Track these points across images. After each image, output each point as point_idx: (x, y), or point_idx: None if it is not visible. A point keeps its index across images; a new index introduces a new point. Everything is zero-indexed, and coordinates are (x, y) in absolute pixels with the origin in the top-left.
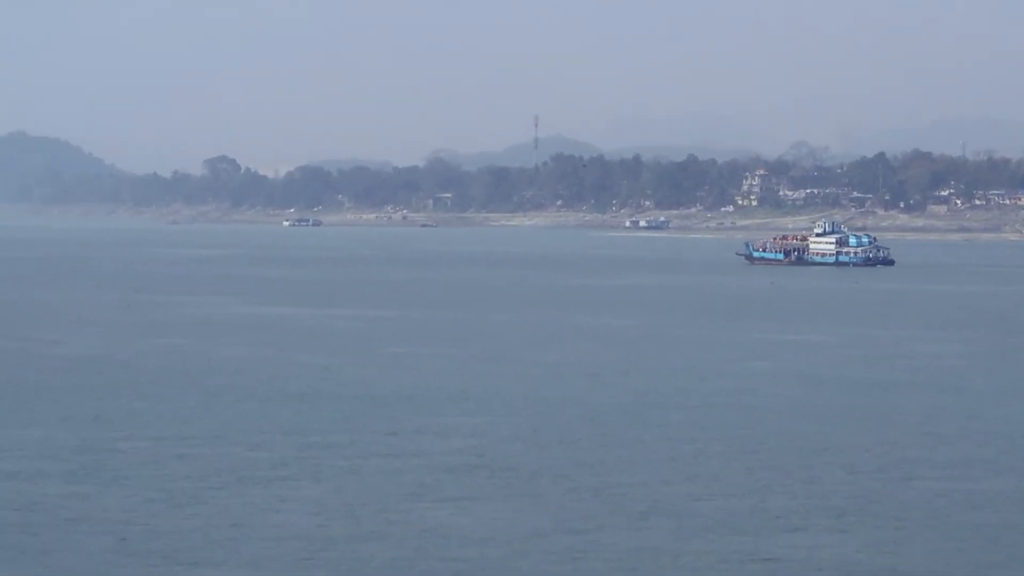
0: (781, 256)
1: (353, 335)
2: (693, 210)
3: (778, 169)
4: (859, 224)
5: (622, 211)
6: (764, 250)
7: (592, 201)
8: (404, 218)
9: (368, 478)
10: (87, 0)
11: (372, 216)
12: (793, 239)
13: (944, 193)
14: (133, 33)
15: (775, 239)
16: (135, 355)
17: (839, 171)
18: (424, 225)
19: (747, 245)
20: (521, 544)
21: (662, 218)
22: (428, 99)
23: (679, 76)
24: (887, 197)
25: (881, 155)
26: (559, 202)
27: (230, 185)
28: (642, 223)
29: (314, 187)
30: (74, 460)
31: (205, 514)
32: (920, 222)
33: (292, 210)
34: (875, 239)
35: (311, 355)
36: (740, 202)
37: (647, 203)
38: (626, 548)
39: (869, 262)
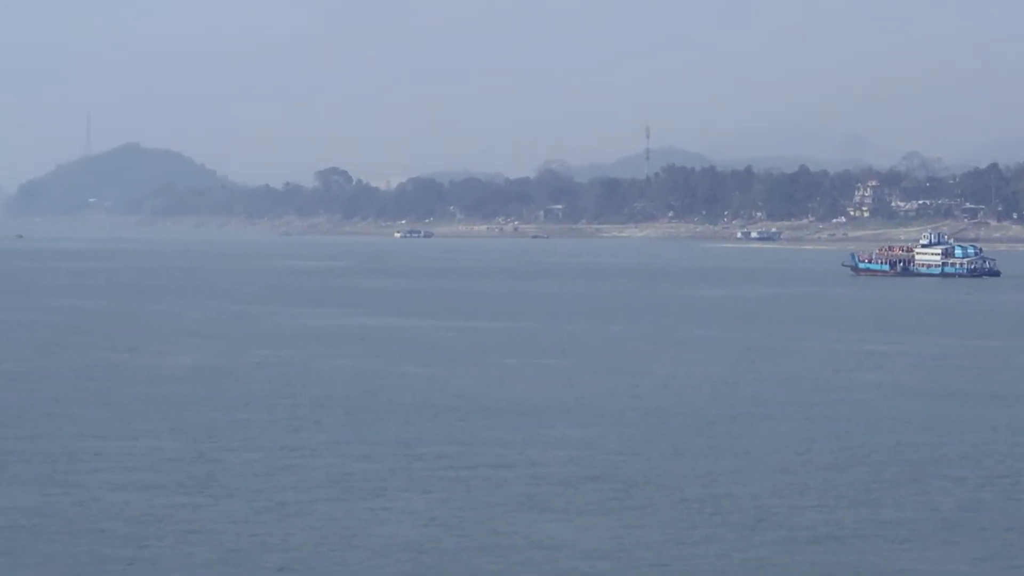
0: (887, 267)
1: (463, 346)
2: (804, 221)
3: (890, 180)
4: (971, 235)
5: (733, 222)
6: (870, 261)
7: (703, 212)
8: (515, 229)
9: (476, 489)
10: (194, 16)
11: (483, 227)
12: (899, 250)
13: None
14: (244, 46)
15: (881, 250)
16: (245, 367)
17: (951, 182)
18: (535, 236)
19: (853, 256)
20: (629, 555)
21: (773, 229)
22: (540, 110)
23: (790, 87)
24: (1000, 208)
25: (994, 166)
26: (670, 213)
27: (341, 197)
28: (753, 234)
29: (425, 198)
30: (184, 471)
31: (314, 525)
32: None
33: (403, 221)
34: (981, 250)
35: (421, 366)
36: (852, 213)
37: (758, 214)
38: (734, 559)
39: (974, 273)
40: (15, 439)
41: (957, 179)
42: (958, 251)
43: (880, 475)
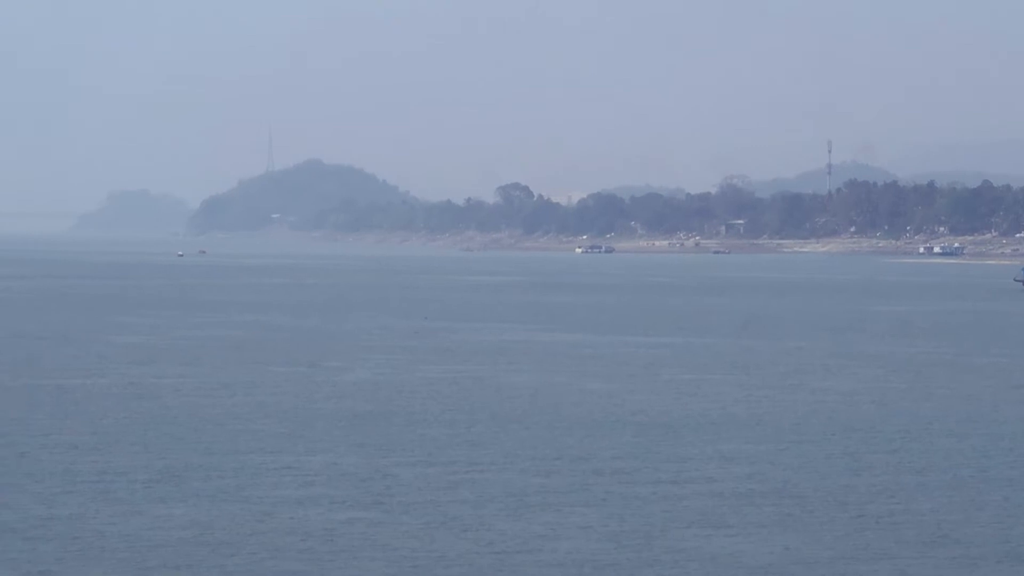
0: None
1: (642, 361)
2: (988, 236)
3: None
4: None
5: (916, 237)
6: None
7: (885, 227)
8: (696, 245)
9: (653, 504)
10: (377, 31)
11: (664, 243)
12: None
13: None
14: (425, 61)
15: None
16: (424, 382)
17: None
18: (716, 252)
19: (1023, 271)
20: (804, 571)
21: (956, 244)
22: (722, 125)
23: (970, 103)
24: None
25: None
26: (852, 228)
27: (523, 212)
28: (936, 249)
29: (607, 214)
30: (361, 486)
31: (489, 540)
32: None
33: (584, 237)
34: None
35: (600, 382)
36: None
37: (941, 229)
38: None
39: None
40: (194, 453)
41: None
42: None
43: None
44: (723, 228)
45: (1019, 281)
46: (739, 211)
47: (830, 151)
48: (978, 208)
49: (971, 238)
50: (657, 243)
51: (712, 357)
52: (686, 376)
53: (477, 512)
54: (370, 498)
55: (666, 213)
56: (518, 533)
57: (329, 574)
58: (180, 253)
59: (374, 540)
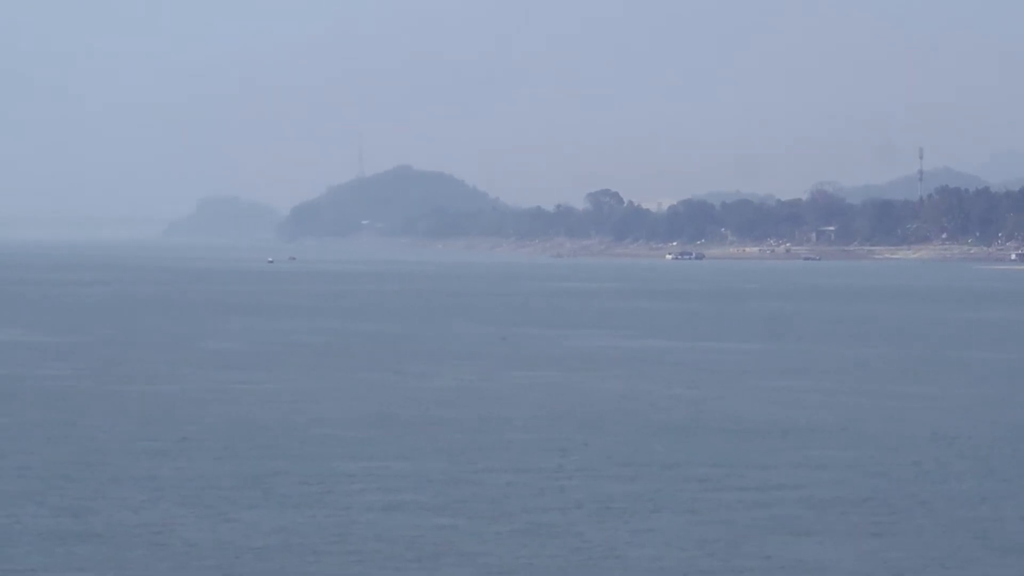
0: None
1: (729, 368)
2: None
3: None
4: None
5: (1008, 244)
6: None
7: (977, 234)
8: (787, 251)
9: (739, 511)
10: (466, 37)
11: (755, 249)
12: None
13: None
14: (514, 66)
15: None
16: (511, 388)
17: None
18: (807, 258)
19: None
20: None
21: None
22: (813, 131)
23: None
24: None
25: None
26: (943, 235)
27: (612, 218)
28: None
29: (697, 220)
30: (446, 492)
31: (576, 546)
32: None
33: (675, 243)
34: None
35: (687, 388)
36: None
37: None
38: None
39: None
40: (280, 460)
41: None
42: None
43: None
44: (814, 234)
45: None
46: (830, 217)
47: (921, 157)
48: None
49: None
50: (747, 249)
51: (800, 363)
52: (774, 382)
53: (563, 519)
54: (456, 505)
55: (757, 219)
56: (604, 540)
57: None
58: (270, 259)
59: (459, 547)
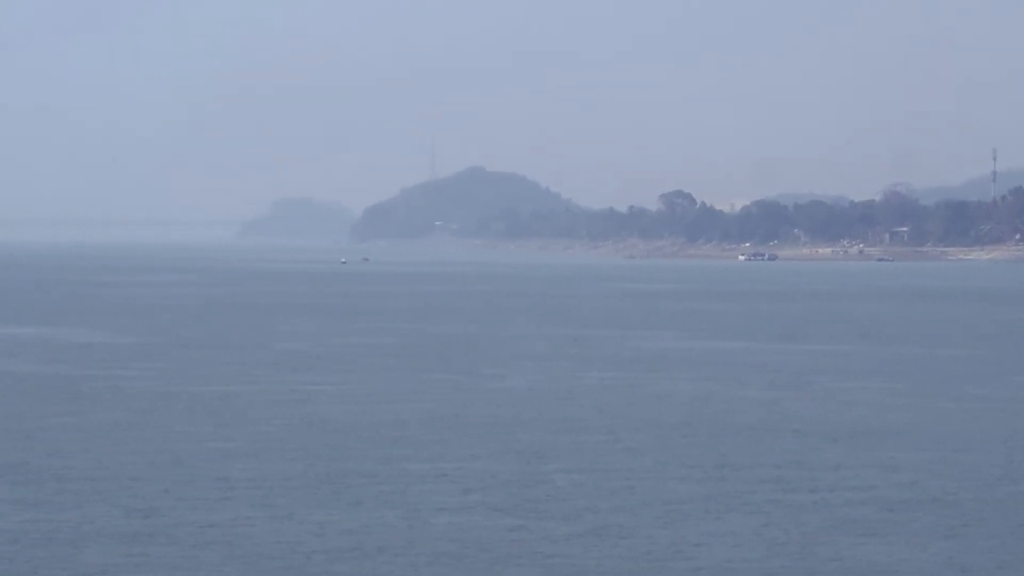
0: None
1: (799, 369)
2: None
3: None
4: None
5: None
6: None
7: None
8: (860, 252)
9: (809, 513)
10: (539, 38)
11: (828, 250)
12: None
13: None
14: (586, 68)
15: None
16: (580, 389)
17: None
18: (880, 259)
19: None
20: None
21: None
22: (886, 132)
23: None
24: None
25: None
26: (1017, 236)
27: (685, 220)
28: None
29: (770, 222)
30: (514, 493)
31: (647, 548)
32: None
33: (747, 244)
34: None
35: (756, 389)
36: None
37: None
38: None
39: None
40: (350, 460)
41: None
42: None
43: None
44: (887, 235)
45: None
46: (903, 218)
47: (995, 158)
48: None
49: None
50: (820, 250)
51: (872, 364)
52: (845, 384)
53: (633, 520)
54: (527, 505)
55: (829, 220)
56: (674, 541)
57: None
58: (343, 260)
59: (529, 548)
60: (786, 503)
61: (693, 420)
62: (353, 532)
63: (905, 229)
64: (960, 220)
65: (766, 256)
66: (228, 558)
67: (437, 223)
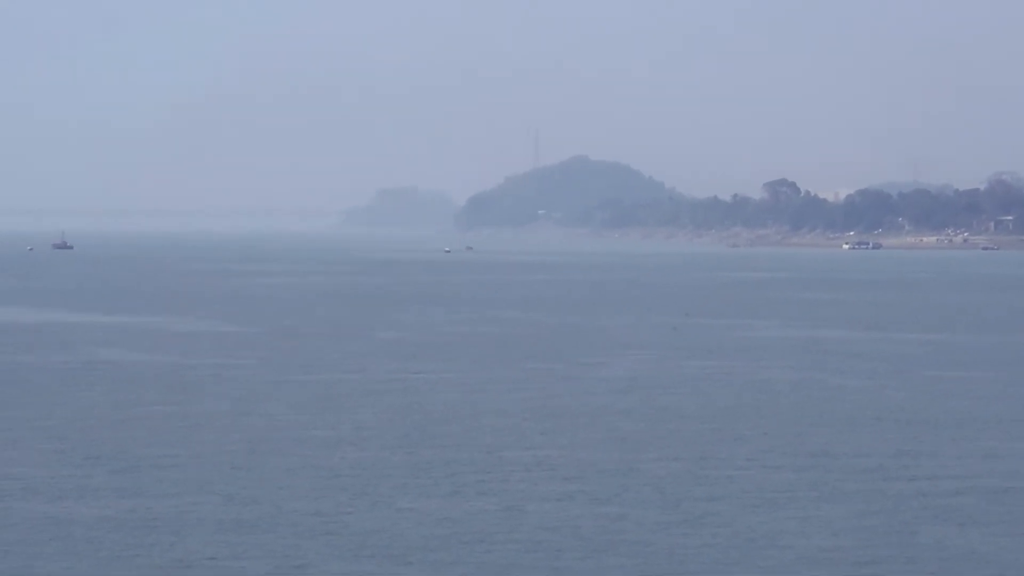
0: None
1: (902, 358)
2: None
3: None
4: None
5: None
6: None
7: None
8: (965, 241)
9: (909, 501)
10: (640, 29)
11: (932, 239)
12: None
13: None
14: (687, 59)
15: None
16: (678, 378)
17: None
18: (985, 248)
19: None
20: None
21: None
22: (989, 119)
23: None
24: None
25: None
26: None
27: (789, 209)
28: None
29: (874, 210)
30: (612, 482)
31: (738, 536)
32: None
33: (851, 233)
34: None
35: (858, 378)
36: None
37: None
38: None
39: None
40: (451, 449)
41: None
42: None
43: None
44: (992, 224)
45: None
46: (1008, 207)
47: None
48: None
49: None
50: (925, 239)
51: (975, 354)
52: (946, 373)
53: (729, 507)
54: (625, 494)
55: (934, 209)
56: (772, 529)
57: (568, 568)
58: (447, 249)
59: (627, 536)
60: (886, 492)
61: (793, 409)
62: (452, 520)
63: (1010, 218)
64: None
65: (870, 245)
66: (328, 546)
67: (540, 212)
